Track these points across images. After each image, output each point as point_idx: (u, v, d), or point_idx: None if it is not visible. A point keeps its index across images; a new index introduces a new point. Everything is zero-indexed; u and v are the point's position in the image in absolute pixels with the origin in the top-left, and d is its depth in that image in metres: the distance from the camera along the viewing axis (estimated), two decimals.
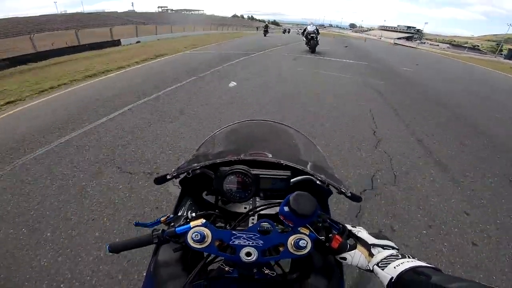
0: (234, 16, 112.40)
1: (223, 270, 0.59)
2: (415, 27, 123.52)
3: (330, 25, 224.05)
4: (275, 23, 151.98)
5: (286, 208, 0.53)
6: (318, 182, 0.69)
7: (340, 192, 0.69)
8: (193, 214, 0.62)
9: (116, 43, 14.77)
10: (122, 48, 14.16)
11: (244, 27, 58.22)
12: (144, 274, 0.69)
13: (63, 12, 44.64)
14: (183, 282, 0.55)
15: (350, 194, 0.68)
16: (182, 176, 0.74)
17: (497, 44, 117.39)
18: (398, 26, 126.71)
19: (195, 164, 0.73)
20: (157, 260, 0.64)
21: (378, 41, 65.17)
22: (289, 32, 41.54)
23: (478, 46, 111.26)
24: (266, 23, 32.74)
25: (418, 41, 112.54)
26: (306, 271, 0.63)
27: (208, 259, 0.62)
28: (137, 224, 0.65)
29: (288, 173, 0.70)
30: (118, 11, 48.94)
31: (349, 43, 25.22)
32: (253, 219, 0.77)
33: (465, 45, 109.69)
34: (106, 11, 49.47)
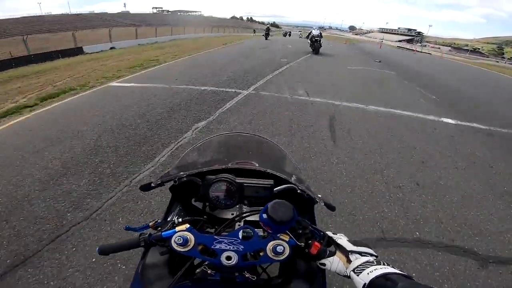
0: (233, 17, 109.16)
1: (206, 273, 0.62)
2: (415, 30, 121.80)
3: (330, 27, 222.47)
4: (274, 25, 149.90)
5: (264, 215, 0.56)
6: (299, 191, 0.72)
7: (316, 202, 0.73)
8: (180, 220, 0.64)
9: (77, 51, 11.96)
10: (76, 60, 10.99)
11: (243, 28, 55.65)
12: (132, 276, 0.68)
13: (47, 13, 41.54)
14: (169, 284, 0.57)
15: (323, 203, 0.72)
16: (167, 183, 0.76)
17: (498, 47, 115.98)
18: (398, 28, 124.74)
19: (182, 173, 0.76)
20: (144, 263, 0.67)
21: (382, 44, 65.37)
22: (289, 35, 37.07)
23: (479, 48, 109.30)
24: (268, 25, 32.52)
25: (419, 44, 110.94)
26: (290, 277, 0.66)
27: (195, 263, 0.68)
28: (127, 229, 0.68)
29: (271, 182, 0.74)
30: (110, 12, 46.13)
31: (366, 50, 21.78)
32: (239, 225, 0.73)
33: (465, 48, 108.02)
34: (97, 11, 46.40)
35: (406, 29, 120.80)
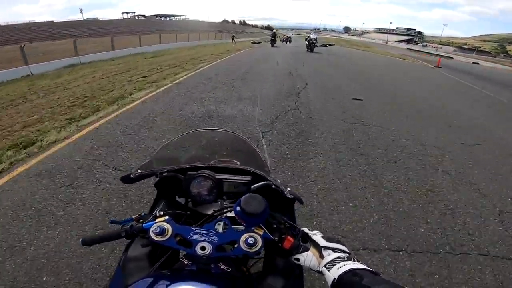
0: (224, 21, 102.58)
1: (183, 264, 0.63)
2: (414, 29, 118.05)
3: (325, 29, 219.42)
4: (269, 28, 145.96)
5: (238, 208, 0.57)
6: (273, 186, 0.73)
7: (284, 195, 0.73)
8: (161, 213, 0.65)
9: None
10: None
11: (236, 33, 50.28)
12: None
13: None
14: (148, 274, 0.61)
15: (292, 197, 0.73)
16: (148, 177, 0.78)
17: (500, 45, 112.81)
18: (397, 28, 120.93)
19: (164, 167, 0.77)
20: (127, 256, 0.69)
21: (385, 45, 61.20)
22: (290, 41, 28.39)
23: (480, 47, 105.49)
24: (274, 30, 28.31)
25: (420, 44, 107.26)
26: (267, 272, 0.69)
27: (180, 258, 0.66)
28: (112, 222, 0.68)
29: (248, 178, 0.76)
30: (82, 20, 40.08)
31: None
32: None
33: (465, 47, 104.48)
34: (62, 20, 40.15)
35: (405, 29, 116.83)
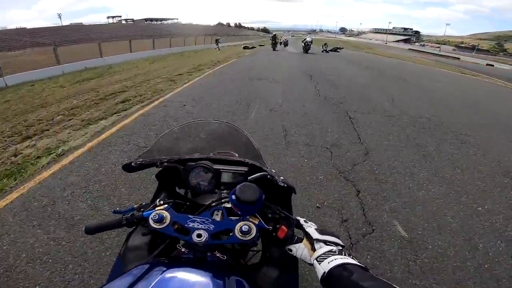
0: (219, 24, 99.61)
1: (181, 252, 0.64)
2: (411, 29, 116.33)
3: (321, 30, 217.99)
4: (265, 30, 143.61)
5: (233, 196, 0.59)
6: (269, 176, 0.73)
7: (278, 184, 0.72)
8: (161, 202, 0.67)
9: None
10: None
11: (229, 37, 47.65)
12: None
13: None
14: (146, 261, 0.62)
15: (286, 185, 0.72)
16: (148, 166, 0.81)
17: (498, 44, 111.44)
18: (393, 28, 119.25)
19: (164, 157, 0.80)
20: (127, 245, 0.70)
21: (386, 46, 59.15)
22: (286, 44, 24.50)
23: (477, 45, 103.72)
24: (274, 33, 23.45)
25: (417, 44, 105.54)
26: (262, 263, 0.71)
27: (179, 247, 0.68)
28: (114, 212, 0.69)
29: (245, 168, 0.78)
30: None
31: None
32: None
33: (463, 46, 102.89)
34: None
35: (402, 28, 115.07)
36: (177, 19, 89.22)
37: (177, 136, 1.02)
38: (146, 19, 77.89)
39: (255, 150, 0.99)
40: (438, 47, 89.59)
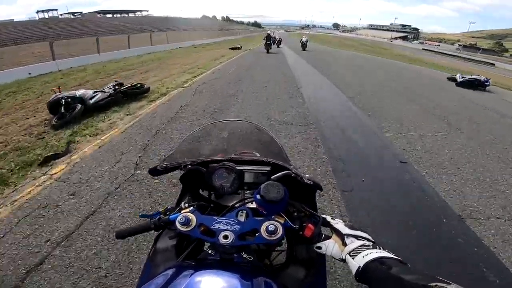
0: (204, 17, 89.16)
1: (208, 254, 0.64)
2: (410, 26, 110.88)
3: (314, 26, 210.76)
4: (256, 24, 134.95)
5: (258, 196, 0.58)
6: (293, 175, 0.73)
7: (304, 182, 0.72)
8: (186, 205, 0.67)
9: None
10: None
11: (206, 33, 39.38)
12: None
13: None
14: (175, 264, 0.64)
15: (312, 182, 0.71)
16: (173, 170, 0.80)
17: (496, 42, 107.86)
18: (391, 24, 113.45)
19: (187, 159, 0.79)
20: (155, 248, 0.72)
21: (392, 44, 52.04)
22: (280, 43, 20.20)
23: (475, 44, 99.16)
24: (268, 32, 18.16)
25: (416, 41, 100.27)
26: (288, 262, 0.70)
27: (205, 249, 0.69)
28: (142, 216, 0.70)
29: (268, 168, 0.77)
30: None
31: None
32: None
33: (460, 43, 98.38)
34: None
35: (400, 25, 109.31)
36: (147, 11, 76.01)
37: (199, 138, 1.02)
38: (99, 12, 62.19)
39: (278, 148, 0.98)
40: (438, 45, 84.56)
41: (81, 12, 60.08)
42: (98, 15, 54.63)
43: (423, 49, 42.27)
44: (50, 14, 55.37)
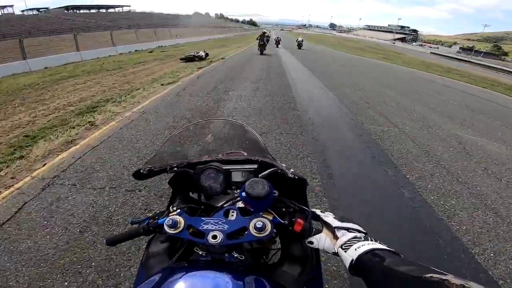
0: (197, 14, 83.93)
1: (199, 255, 0.65)
2: (409, 27, 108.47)
3: (311, 25, 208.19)
4: (252, 23, 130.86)
5: (243, 194, 0.58)
6: (279, 171, 0.73)
7: (288, 176, 0.72)
8: (174, 208, 0.68)
9: None
10: None
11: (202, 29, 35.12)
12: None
13: None
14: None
15: (297, 177, 0.72)
16: (159, 173, 0.80)
17: (494, 45, 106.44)
18: (389, 25, 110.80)
19: (172, 162, 0.78)
20: (148, 253, 0.72)
21: (395, 46, 48.44)
22: (278, 43, 21.21)
23: (474, 47, 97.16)
24: (264, 30, 15.64)
25: (415, 43, 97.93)
26: (282, 260, 0.69)
27: (191, 247, 0.69)
28: (131, 222, 0.71)
29: (255, 166, 0.78)
30: None
31: None
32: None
33: (463, 47, 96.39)
34: None
35: (399, 26, 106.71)
36: (129, 6, 67.57)
37: (183, 139, 1.01)
38: (68, 7, 53.65)
39: (262, 147, 0.99)
40: (437, 47, 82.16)
41: (46, 8, 52.78)
42: (68, 11, 48.16)
43: (430, 52, 38.93)
44: (5, 10, 47.97)
